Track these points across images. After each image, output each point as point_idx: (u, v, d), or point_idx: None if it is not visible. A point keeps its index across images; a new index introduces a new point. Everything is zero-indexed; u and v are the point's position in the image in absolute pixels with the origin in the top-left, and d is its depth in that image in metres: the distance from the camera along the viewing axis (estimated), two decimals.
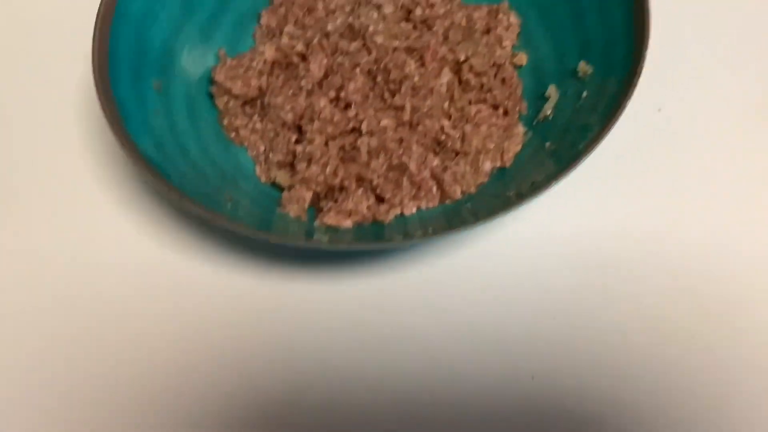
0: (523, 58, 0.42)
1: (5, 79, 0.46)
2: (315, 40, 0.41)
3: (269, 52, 0.42)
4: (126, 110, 0.36)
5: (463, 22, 0.43)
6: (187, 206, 0.33)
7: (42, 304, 0.39)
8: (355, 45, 0.40)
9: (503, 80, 0.40)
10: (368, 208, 0.38)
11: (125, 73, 0.37)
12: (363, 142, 0.38)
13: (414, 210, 0.38)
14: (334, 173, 0.38)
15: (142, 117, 0.37)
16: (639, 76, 0.33)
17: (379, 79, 0.40)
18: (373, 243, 0.35)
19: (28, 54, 0.47)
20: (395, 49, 0.40)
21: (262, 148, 0.41)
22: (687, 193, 0.39)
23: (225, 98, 0.42)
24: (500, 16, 0.43)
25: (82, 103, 0.45)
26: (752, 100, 0.42)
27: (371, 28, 0.40)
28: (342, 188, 0.38)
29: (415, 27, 0.43)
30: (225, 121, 0.41)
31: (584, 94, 0.37)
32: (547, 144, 0.37)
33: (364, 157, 0.38)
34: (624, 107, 0.32)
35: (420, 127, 0.38)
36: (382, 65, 0.39)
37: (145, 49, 0.39)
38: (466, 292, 0.38)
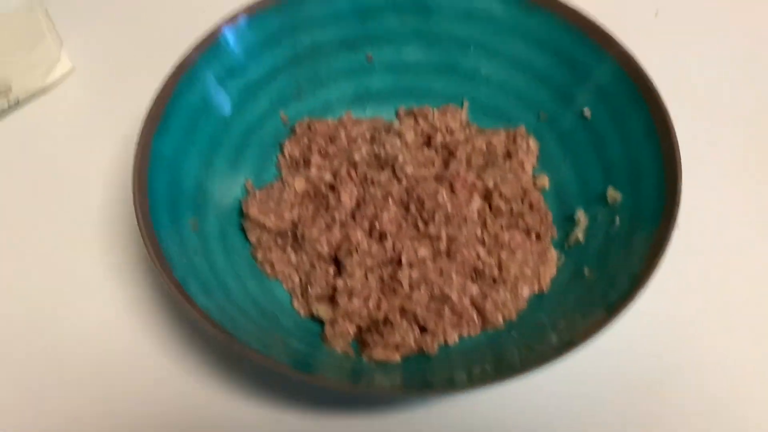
0: (545, 181, 0.43)
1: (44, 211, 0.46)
2: (343, 170, 0.42)
3: (299, 184, 0.42)
4: (169, 254, 0.36)
5: (484, 147, 0.44)
6: (250, 355, 0.32)
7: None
8: (385, 175, 0.41)
9: (530, 205, 0.42)
10: (414, 340, 0.38)
11: (164, 215, 0.37)
12: (404, 275, 0.38)
13: (456, 338, 0.39)
14: (378, 306, 0.38)
15: (187, 260, 0.37)
16: (676, 219, 0.34)
17: (411, 208, 0.41)
18: (436, 391, 0.35)
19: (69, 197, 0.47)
20: (425, 178, 0.42)
21: (297, 281, 0.41)
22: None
23: (258, 231, 0.42)
24: (519, 140, 0.44)
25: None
26: None
27: (400, 158, 0.42)
28: (386, 321, 0.38)
29: (437, 153, 0.44)
30: (259, 255, 0.41)
31: (617, 220, 0.38)
32: (586, 270, 0.38)
33: (406, 289, 0.38)
34: (666, 248, 0.34)
35: (458, 256, 0.39)
36: (414, 195, 0.40)
37: (180, 188, 0.40)
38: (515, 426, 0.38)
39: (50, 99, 0.52)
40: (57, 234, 0.45)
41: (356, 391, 0.33)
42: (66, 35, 0.53)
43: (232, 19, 0.42)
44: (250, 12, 0.43)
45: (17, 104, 0.51)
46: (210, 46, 0.41)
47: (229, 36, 0.42)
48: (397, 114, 0.47)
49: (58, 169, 0.48)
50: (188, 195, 0.40)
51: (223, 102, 0.43)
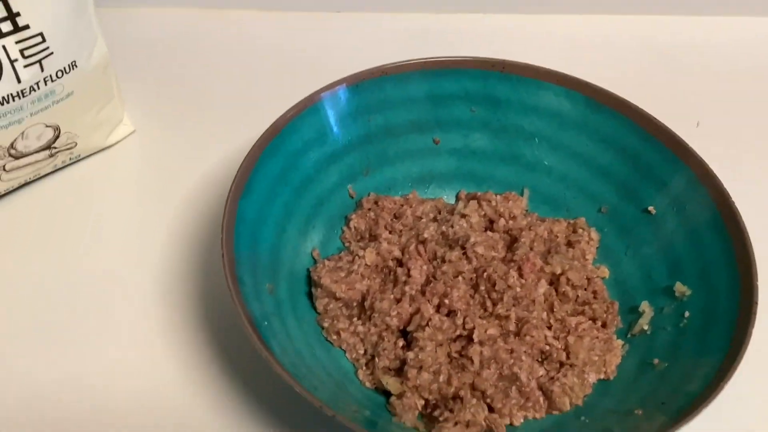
0: (605, 272, 0.45)
1: None
2: (412, 246, 0.43)
3: (369, 256, 0.43)
4: (256, 319, 0.36)
5: (545, 235, 0.46)
6: (342, 420, 0.32)
7: None
8: (455, 254, 0.42)
9: (594, 293, 0.43)
10: (485, 418, 0.38)
11: (248, 279, 0.38)
12: (475, 351, 0.39)
13: (521, 420, 0.39)
14: (448, 382, 0.38)
15: (267, 323, 0.37)
16: (755, 317, 0.36)
17: (481, 288, 0.41)
18: None
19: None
20: (494, 259, 0.43)
21: (362, 352, 0.41)
22: None
23: (326, 300, 0.42)
24: (580, 230, 0.46)
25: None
26: None
27: (472, 239, 0.43)
28: (456, 397, 0.38)
29: (500, 237, 0.45)
30: (326, 324, 0.42)
31: (686, 314, 0.40)
32: (656, 361, 0.39)
33: (476, 366, 0.39)
34: (746, 346, 0.35)
35: (527, 338, 0.40)
36: (484, 275, 0.41)
37: (258, 253, 0.40)
38: None
39: (108, 157, 0.53)
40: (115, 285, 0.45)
41: None
42: (126, 97, 0.54)
43: (330, 87, 0.44)
44: (347, 83, 0.45)
45: (78, 160, 0.51)
46: (306, 109, 0.43)
47: (325, 103, 0.44)
48: (457, 197, 0.49)
49: (113, 223, 0.48)
50: (266, 259, 0.40)
51: (300, 172, 0.44)
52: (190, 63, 0.60)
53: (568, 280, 0.42)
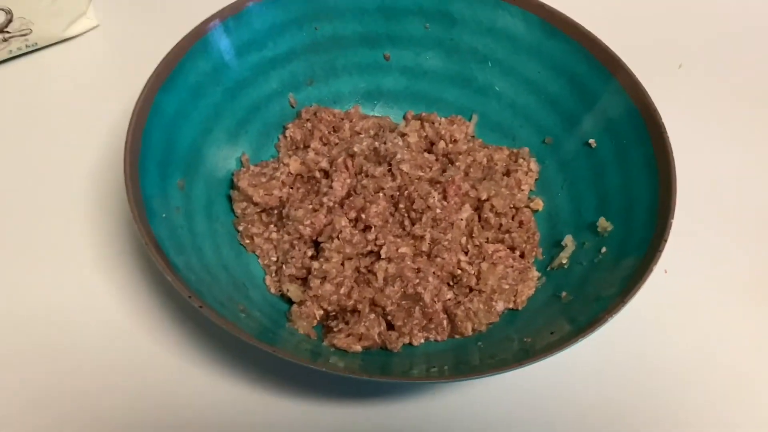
0: (539, 204, 0.43)
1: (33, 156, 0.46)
2: (340, 159, 0.42)
3: (294, 164, 0.42)
4: (150, 206, 0.36)
5: (484, 162, 0.44)
6: (206, 312, 0.32)
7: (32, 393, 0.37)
8: (380, 170, 0.41)
9: (520, 223, 0.41)
10: (379, 334, 0.37)
11: (153, 169, 0.37)
12: (381, 267, 0.38)
13: (422, 341, 0.38)
14: (348, 295, 0.38)
15: (166, 214, 0.36)
16: (660, 253, 0.34)
17: (401, 206, 0.40)
18: (385, 376, 0.34)
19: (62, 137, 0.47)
20: (419, 179, 0.41)
21: (274, 258, 0.41)
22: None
23: (244, 204, 0.41)
24: (520, 160, 0.44)
25: (104, 190, 0.44)
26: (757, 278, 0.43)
27: (398, 156, 0.41)
28: (354, 310, 0.38)
29: (437, 159, 0.44)
30: (241, 227, 0.41)
31: (603, 249, 0.38)
32: (563, 294, 0.38)
33: (380, 282, 0.38)
34: (645, 280, 0.33)
35: (438, 260, 0.39)
36: (405, 193, 0.40)
37: (174, 148, 0.39)
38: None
39: (67, 49, 0.52)
40: (47, 177, 0.45)
41: (312, 365, 0.32)
42: None
43: None
44: None
45: (34, 49, 0.51)
46: (232, 15, 0.42)
47: (254, 9, 0.42)
48: (404, 117, 0.47)
49: (59, 115, 0.48)
50: (181, 155, 0.40)
51: (235, 73, 0.43)
52: None
53: (492, 207, 0.41)
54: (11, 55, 0.50)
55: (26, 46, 0.50)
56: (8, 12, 0.47)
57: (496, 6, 0.44)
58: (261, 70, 0.44)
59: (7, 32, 0.48)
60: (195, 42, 0.41)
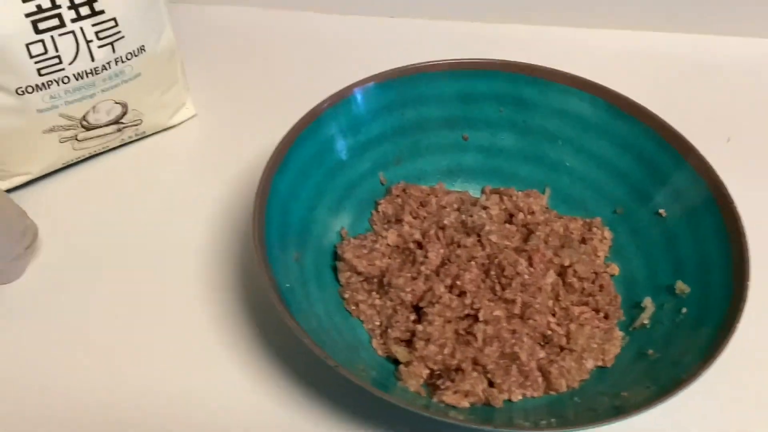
0: (615, 269, 0.47)
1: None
2: (432, 231, 0.46)
3: (391, 237, 0.47)
4: (278, 276, 0.40)
5: (561, 231, 0.48)
6: (343, 372, 0.36)
7: None
8: (470, 240, 0.45)
9: (601, 287, 0.45)
10: (483, 390, 0.41)
11: (275, 243, 0.42)
12: (480, 329, 0.42)
13: (520, 397, 0.42)
14: (452, 355, 0.41)
15: (289, 284, 0.41)
16: (740, 317, 0.38)
17: (491, 272, 0.44)
18: (505, 426, 0.38)
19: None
20: (506, 248, 0.45)
21: (378, 323, 0.45)
22: None
23: (348, 273, 0.46)
24: (594, 229, 0.48)
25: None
26: None
27: (486, 227, 0.46)
28: (458, 369, 0.41)
29: (517, 229, 0.48)
30: (347, 295, 0.45)
31: (683, 309, 0.42)
32: (650, 351, 0.41)
33: (480, 342, 0.42)
34: (726, 344, 0.37)
35: (530, 321, 0.43)
36: (495, 261, 0.44)
37: (288, 224, 0.44)
38: None
39: (170, 135, 0.58)
40: (165, 247, 0.50)
41: (428, 413, 0.36)
42: (192, 83, 0.59)
43: (363, 82, 0.48)
44: (378, 80, 0.48)
45: (142, 136, 0.57)
46: (341, 101, 0.47)
47: (359, 96, 0.48)
48: (483, 191, 0.52)
49: (166, 194, 0.53)
50: (294, 230, 0.45)
51: (335, 155, 0.48)
52: (253, 57, 0.66)
53: (575, 272, 0.45)
54: (122, 143, 0.56)
55: (136, 134, 0.56)
56: (124, 105, 0.53)
57: (564, 92, 0.50)
58: (356, 153, 0.49)
59: (122, 123, 0.54)
60: (309, 125, 0.46)
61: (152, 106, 0.55)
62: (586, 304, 0.45)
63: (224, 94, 0.62)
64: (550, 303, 0.44)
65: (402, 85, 0.50)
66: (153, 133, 0.57)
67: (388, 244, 0.47)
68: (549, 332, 0.43)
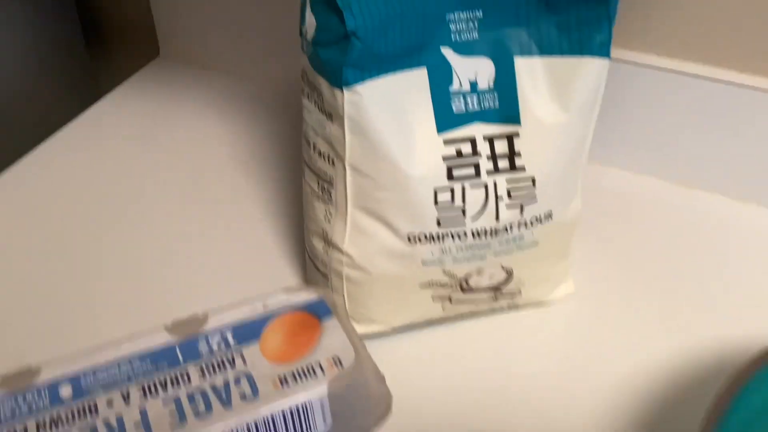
0: None
1: None
2: None
3: None
4: None
5: None
6: None
7: None
8: None
9: None
10: None
11: None
12: None
13: None
14: None
15: None
16: None
17: None
18: None
19: None
20: None
21: None
22: None
23: None
24: None
25: None
26: None
27: None
28: None
29: None
30: None
31: None
32: None
33: None
34: None
35: None
36: None
37: None
38: None
39: (541, 314, 0.49)
40: None
41: None
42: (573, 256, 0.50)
43: None
44: None
45: (514, 308, 0.48)
46: None
47: None
48: None
49: (540, 381, 0.44)
50: None
51: None
52: (643, 234, 0.55)
53: None
54: (491, 310, 0.48)
55: (508, 305, 0.48)
56: (509, 273, 0.45)
57: None
58: None
59: (500, 291, 0.46)
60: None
61: (536, 278, 0.46)
62: None
63: (606, 271, 0.52)
64: None
65: None
66: (524, 306, 0.49)
67: None
68: None
